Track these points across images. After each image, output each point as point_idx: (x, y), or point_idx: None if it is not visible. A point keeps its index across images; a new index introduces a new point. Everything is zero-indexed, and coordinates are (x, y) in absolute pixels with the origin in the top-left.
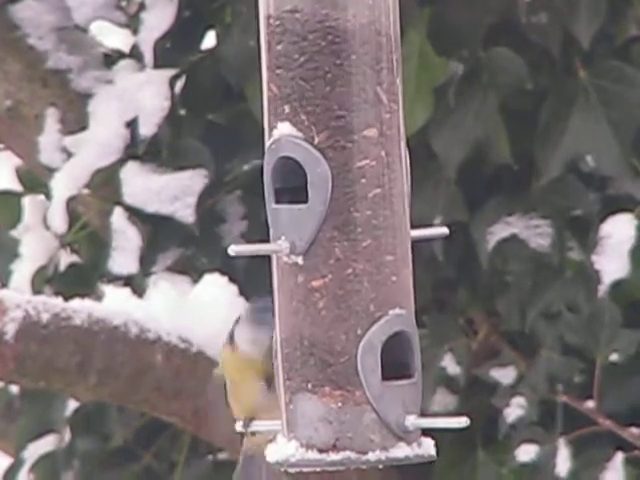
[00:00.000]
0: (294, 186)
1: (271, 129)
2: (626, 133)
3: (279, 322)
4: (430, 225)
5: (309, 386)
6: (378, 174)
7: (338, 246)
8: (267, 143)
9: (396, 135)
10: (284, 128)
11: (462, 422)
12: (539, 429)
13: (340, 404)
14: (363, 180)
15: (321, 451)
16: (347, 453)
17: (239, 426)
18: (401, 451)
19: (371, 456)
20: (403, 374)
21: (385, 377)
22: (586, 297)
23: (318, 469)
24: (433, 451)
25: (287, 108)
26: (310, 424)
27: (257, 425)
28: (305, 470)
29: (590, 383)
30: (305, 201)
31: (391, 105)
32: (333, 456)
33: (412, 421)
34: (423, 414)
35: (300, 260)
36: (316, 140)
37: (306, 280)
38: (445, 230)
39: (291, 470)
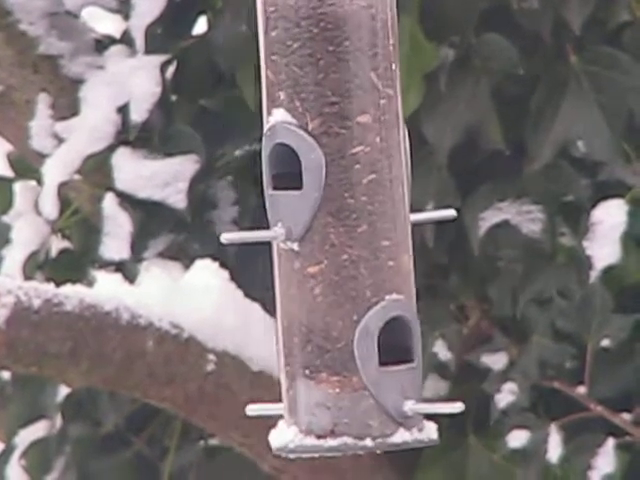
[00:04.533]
0: (290, 172)
1: (268, 116)
2: (617, 119)
3: (279, 309)
4: (421, 210)
5: (307, 372)
6: (373, 160)
7: (333, 232)
8: (264, 129)
9: (393, 121)
10: (279, 114)
11: (457, 407)
12: (530, 415)
13: (338, 390)
14: (357, 166)
15: (319, 437)
16: (345, 439)
17: (248, 410)
18: (400, 436)
19: (369, 442)
20: (402, 359)
21: (383, 362)
22: (578, 283)
23: (316, 455)
24: (435, 435)
25: (282, 94)
26: (309, 410)
27: (265, 409)
28: (304, 456)
29: (581, 369)
30: (300, 187)
31: (387, 90)
32: (331, 442)
33: (410, 406)
34: (423, 399)
35: (296, 246)
36: (310, 126)
37: (302, 266)
38: (452, 213)
39: (291, 456)
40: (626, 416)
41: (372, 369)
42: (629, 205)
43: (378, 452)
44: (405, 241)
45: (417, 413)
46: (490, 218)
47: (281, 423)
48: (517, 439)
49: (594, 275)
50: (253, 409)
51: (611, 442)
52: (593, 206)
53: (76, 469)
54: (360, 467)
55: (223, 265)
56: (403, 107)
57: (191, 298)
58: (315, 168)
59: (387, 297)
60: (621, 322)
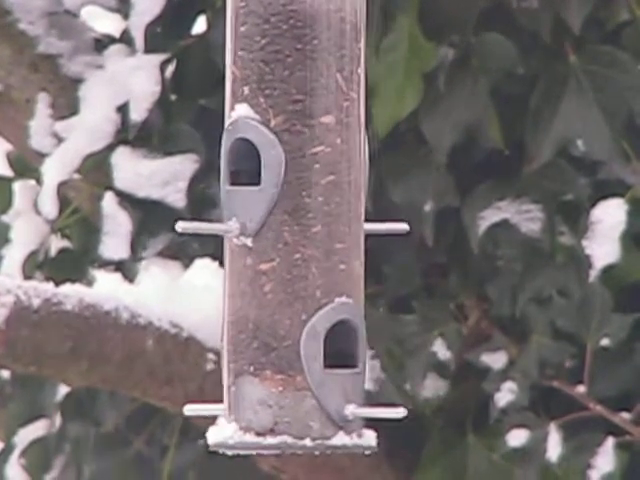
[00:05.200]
0: (249, 168)
1: (230, 110)
2: (617, 118)
3: (227, 304)
4: (420, 210)
5: (251, 369)
6: (333, 161)
7: (288, 230)
8: (226, 124)
9: (355, 124)
10: (242, 109)
11: (400, 412)
12: (530, 414)
13: (281, 388)
14: (317, 166)
15: (258, 434)
16: (284, 437)
17: (186, 410)
18: (339, 439)
19: (308, 442)
20: (347, 363)
21: (328, 365)
22: (577, 282)
23: (254, 452)
24: (374, 442)
25: (246, 90)
26: (250, 407)
27: (202, 409)
28: (242, 453)
29: (581, 368)
30: (258, 183)
31: (350, 93)
32: (270, 440)
33: (352, 410)
34: (364, 404)
35: (249, 242)
36: (272, 123)
37: (254, 263)
38: (405, 227)
39: (229, 452)
40: (626, 415)
41: (316, 370)
42: (628, 204)
43: (316, 453)
44: (358, 245)
45: (358, 418)
46: (489, 217)
47: (221, 420)
48: (517, 438)
49: (593, 274)
50: (191, 409)
51: (611, 441)
52: (592, 205)
53: (75, 468)
54: (359, 466)
55: (223, 264)
56: (401, 106)
57: (191, 297)
58: (274, 165)
59: (337, 299)
60: (621, 321)
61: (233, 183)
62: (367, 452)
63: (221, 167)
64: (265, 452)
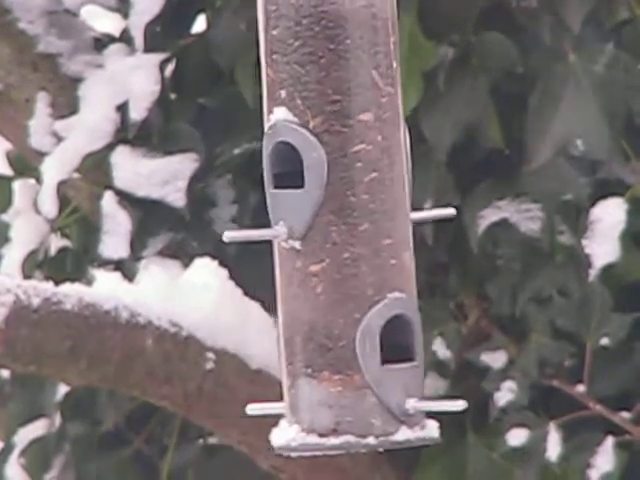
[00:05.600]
0: (292, 171)
1: (268, 114)
2: (616, 117)
3: (280, 307)
4: (420, 208)
5: (309, 371)
6: (375, 158)
7: (335, 230)
8: (265, 128)
9: (394, 119)
10: (280, 113)
11: (459, 405)
12: (529, 413)
13: (340, 388)
14: (359, 164)
15: (321, 435)
16: (347, 437)
17: (249, 409)
18: (402, 434)
19: (371, 440)
20: (404, 357)
21: (385, 361)
22: (577, 281)
23: (319, 453)
24: (437, 433)
25: (283, 93)
26: (311, 408)
27: (265, 408)
28: (306, 454)
29: (581, 367)
30: (302, 186)
31: (387, 89)
32: (333, 440)
33: (413, 404)
34: (425, 397)
35: (298, 245)
36: (311, 124)
37: (304, 265)
38: (452, 211)
39: (293, 455)
40: (625, 415)
41: (374, 367)
42: (628, 204)
43: (380, 450)
44: (406, 239)
45: (419, 411)
46: (489, 216)
47: (283, 422)
48: (516, 437)
49: (593, 274)
50: (254, 408)
51: (610, 441)
52: (592, 205)
53: (75, 468)
54: (359, 465)
55: (222, 264)
56: (403, 105)
57: (190, 296)
58: (317, 166)
59: (389, 295)
60: (620, 321)
61: (277, 186)
62: (431, 443)
63: (264, 171)
64: (329, 453)
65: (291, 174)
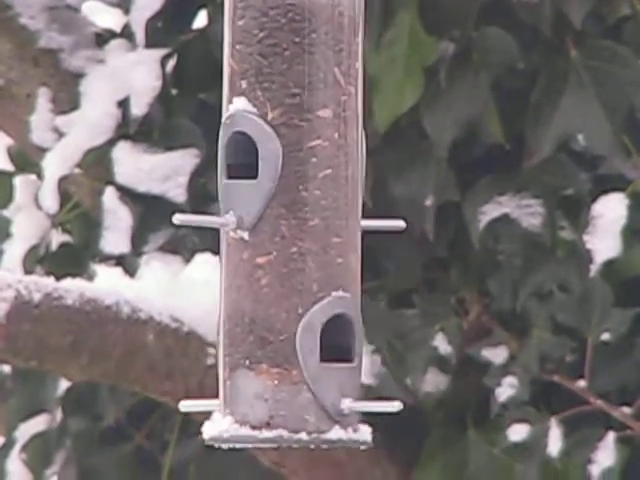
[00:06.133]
0: (246, 162)
1: (228, 104)
2: (617, 112)
3: (223, 298)
4: (421, 204)
5: (247, 363)
6: (330, 155)
7: (285, 224)
8: (223, 118)
9: (352, 118)
10: (239, 103)
11: (395, 406)
12: (530, 409)
13: (277, 382)
14: (314, 159)
15: (254, 428)
16: (280, 431)
17: (182, 406)
18: (335, 433)
19: (304, 436)
20: (343, 358)
21: (324, 359)
22: (578, 276)
23: (250, 446)
24: (369, 437)
25: (244, 83)
26: (246, 401)
27: (197, 405)
28: (238, 446)
29: (582, 362)
30: (255, 177)
31: (348, 88)
32: (266, 433)
33: (348, 404)
34: (360, 398)
35: (246, 236)
36: (270, 116)
37: (251, 256)
38: (401, 224)
39: (224, 446)
40: (626, 410)
41: (313, 364)
42: (629, 199)
43: (312, 447)
44: (355, 240)
45: (354, 413)
46: (490, 212)
47: (216, 414)
48: (517, 433)
49: (594, 269)
50: (186, 405)
51: (611, 436)
52: (593, 200)
53: (76, 463)
54: (359, 461)
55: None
56: (402, 101)
57: (191, 292)
58: (272, 158)
59: (333, 293)
60: (621, 316)
61: (230, 176)
62: (363, 447)
63: (218, 160)
64: (261, 445)
65: (245, 165)
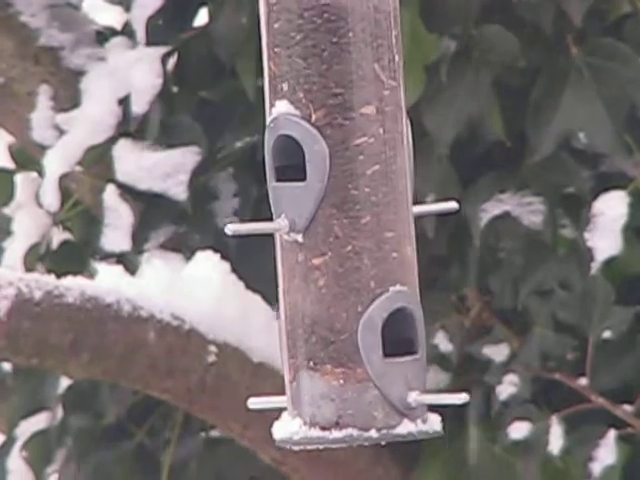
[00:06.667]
0: (293, 164)
1: (270, 107)
2: (619, 110)
3: (282, 300)
4: (422, 202)
5: (311, 364)
6: (377, 151)
7: (337, 224)
8: (267, 121)
9: (396, 112)
10: (282, 106)
11: (462, 398)
12: (532, 406)
13: (342, 381)
14: (361, 157)
15: (324, 428)
16: (350, 430)
17: (250, 403)
18: (404, 427)
19: (373, 433)
20: (406, 351)
21: (387, 354)
22: (579, 274)
23: (321, 447)
24: (439, 427)
25: (285, 86)
26: (313, 402)
27: (267, 402)
28: (309, 447)
29: (583, 360)
30: (304, 179)
31: (390, 82)
32: (336, 433)
33: (415, 397)
34: (427, 391)
35: (300, 238)
36: (313, 118)
37: (306, 258)
38: (454, 205)
39: (295, 448)
40: (627, 408)
41: (376, 360)
42: (630, 197)
43: (383, 443)
44: (408, 232)
45: (421, 404)
46: (491, 209)
47: (284, 415)
48: (518, 431)
49: (595, 267)
50: (255, 402)
51: (612, 434)
52: (594, 198)
53: (77, 461)
54: (361, 458)
55: (224, 257)
56: (405, 98)
57: (192, 290)
58: (319, 159)
59: (391, 288)
60: (622, 314)
61: (279, 180)
62: (434, 436)
63: (266, 164)
64: (332, 446)
65: (293, 167)
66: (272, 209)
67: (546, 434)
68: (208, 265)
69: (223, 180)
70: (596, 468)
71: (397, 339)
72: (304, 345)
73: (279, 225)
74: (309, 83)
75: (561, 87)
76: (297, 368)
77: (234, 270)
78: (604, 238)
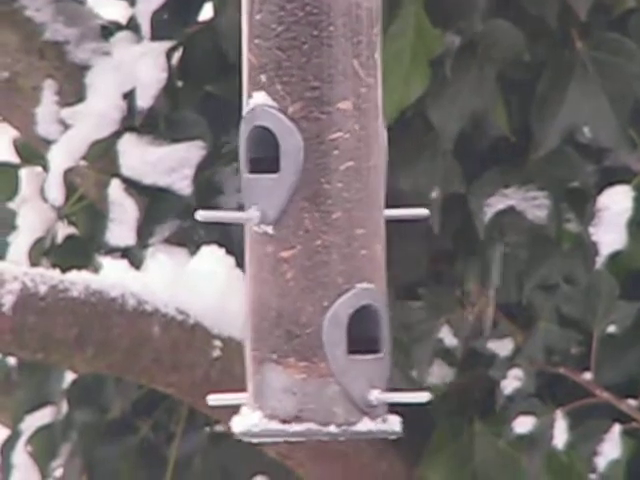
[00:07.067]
0: (268, 156)
1: (248, 98)
2: (623, 105)
3: (248, 292)
4: (427, 197)
5: (275, 357)
6: (351, 147)
7: (308, 217)
8: (243, 112)
9: (372, 110)
10: (259, 97)
11: (424, 397)
12: (536, 401)
13: (304, 375)
14: (336, 152)
15: (284, 422)
16: (309, 424)
17: (210, 400)
18: (364, 425)
19: (333, 428)
20: (370, 349)
21: (351, 351)
22: (583, 269)
23: (280, 440)
24: (398, 427)
25: (263, 77)
26: (274, 395)
27: (225, 398)
28: (268, 441)
29: (587, 355)
30: (277, 171)
31: (368, 79)
32: (295, 427)
33: (377, 395)
34: (389, 389)
35: (270, 230)
36: (290, 110)
37: (275, 250)
38: (425, 212)
39: (254, 440)
40: (632, 402)
41: (340, 356)
42: (635, 191)
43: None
44: (379, 231)
45: (382, 404)
46: (496, 204)
47: (244, 408)
48: (523, 425)
49: (600, 261)
50: (214, 399)
51: (617, 428)
52: (599, 192)
53: (82, 455)
54: (365, 453)
55: (229, 251)
56: (407, 93)
57: (197, 284)
58: (293, 152)
59: (358, 285)
60: (627, 308)
61: (252, 171)
62: (392, 437)
63: (240, 155)
64: (291, 439)
65: (267, 159)
66: (244, 200)
67: (551, 428)
68: (213, 259)
69: (228, 175)
70: (601, 462)
71: (362, 337)
72: (269, 338)
73: (250, 215)
74: (288, 75)
75: (566, 82)
76: (261, 360)
77: (239, 264)
78: (609, 232)
